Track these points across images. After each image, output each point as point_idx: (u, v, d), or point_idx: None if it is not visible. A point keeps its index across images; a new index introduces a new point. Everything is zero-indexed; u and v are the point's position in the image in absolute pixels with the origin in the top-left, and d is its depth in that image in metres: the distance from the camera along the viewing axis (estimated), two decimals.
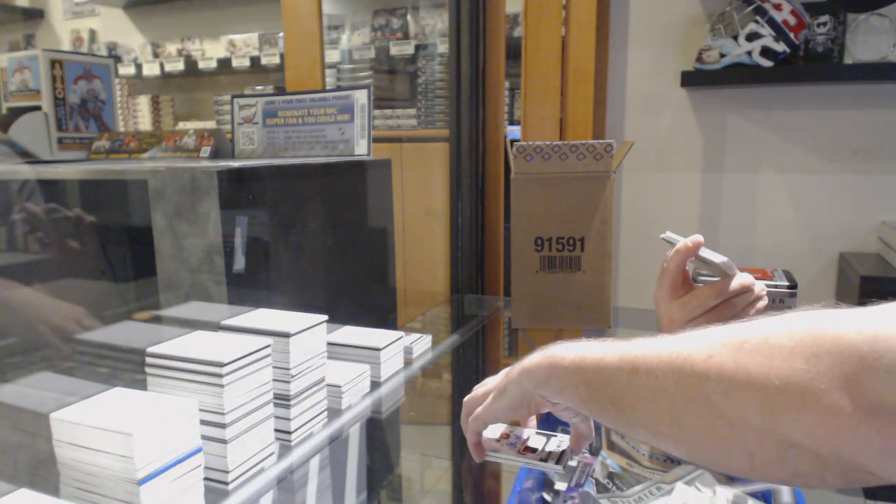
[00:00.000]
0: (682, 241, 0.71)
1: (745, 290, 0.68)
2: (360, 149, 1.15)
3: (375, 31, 2.50)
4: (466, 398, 0.64)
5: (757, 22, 1.62)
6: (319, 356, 0.74)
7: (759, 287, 0.70)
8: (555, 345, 0.52)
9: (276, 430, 0.68)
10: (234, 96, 1.24)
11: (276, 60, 2.78)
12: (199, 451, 0.57)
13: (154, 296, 0.85)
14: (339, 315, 1.00)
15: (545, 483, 0.72)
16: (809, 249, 1.80)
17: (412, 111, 2.28)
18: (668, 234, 0.73)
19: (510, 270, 1.11)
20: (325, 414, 0.76)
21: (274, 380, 0.66)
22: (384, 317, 1.24)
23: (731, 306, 0.68)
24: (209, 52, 3.05)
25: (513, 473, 0.73)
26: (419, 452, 0.92)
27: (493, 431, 0.81)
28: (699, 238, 0.70)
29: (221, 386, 0.58)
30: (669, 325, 0.68)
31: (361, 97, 1.14)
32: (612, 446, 0.78)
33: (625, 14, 1.90)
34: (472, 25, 1.53)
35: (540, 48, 1.69)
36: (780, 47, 1.62)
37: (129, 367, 0.68)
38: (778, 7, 1.61)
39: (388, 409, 0.86)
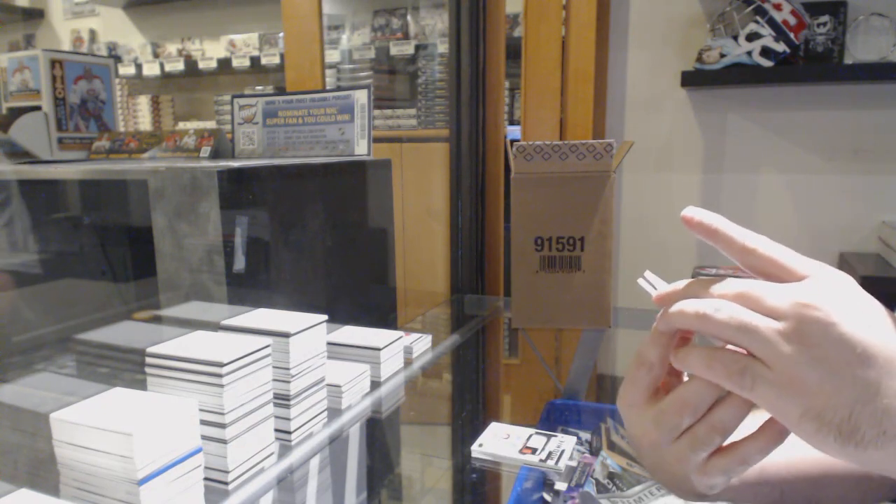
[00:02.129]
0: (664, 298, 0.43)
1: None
2: (360, 149, 1.15)
3: (375, 31, 2.50)
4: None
5: (757, 22, 1.62)
6: (319, 356, 0.74)
7: None
8: None
9: (276, 430, 0.68)
10: (234, 96, 1.24)
11: (276, 60, 2.78)
12: (199, 451, 0.57)
13: (154, 296, 0.85)
14: (339, 315, 1.00)
15: (545, 483, 0.72)
16: (809, 249, 1.79)
17: (412, 111, 2.28)
18: (648, 276, 0.45)
19: (510, 270, 1.11)
20: (325, 414, 0.76)
21: (274, 380, 0.66)
22: (384, 317, 1.24)
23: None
24: (209, 52, 3.05)
25: (513, 473, 0.73)
26: (419, 452, 0.92)
27: (506, 443, 0.82)
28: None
29: (221, 386, 0.58)
30: (652, 450, 0.43)
31: (361, 97, 1.14)
32: (612, 446, 0.78)
33: (625, 14, 1.90)
34: (472, 25, 1.53)
35: (540, 48, 1.69)
36: (780, 47, 1.62)
37: (129, 367, 0.68)
38: (778, 7, 1.61)
39: (388, 409, 0.86)
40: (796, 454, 0.49)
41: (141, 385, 0.62)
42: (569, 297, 1.08)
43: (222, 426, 0.59)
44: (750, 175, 1.83)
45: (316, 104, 1.17)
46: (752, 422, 0.40)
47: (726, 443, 0.41)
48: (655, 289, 0.44)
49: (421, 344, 1.05)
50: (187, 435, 0.56)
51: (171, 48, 3.13)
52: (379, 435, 0.84)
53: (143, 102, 3.09)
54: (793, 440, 0.49)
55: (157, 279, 0.84)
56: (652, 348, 0.43)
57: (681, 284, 0.43)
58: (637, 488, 0.69)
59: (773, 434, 0.39)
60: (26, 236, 1.08)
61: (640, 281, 0.45)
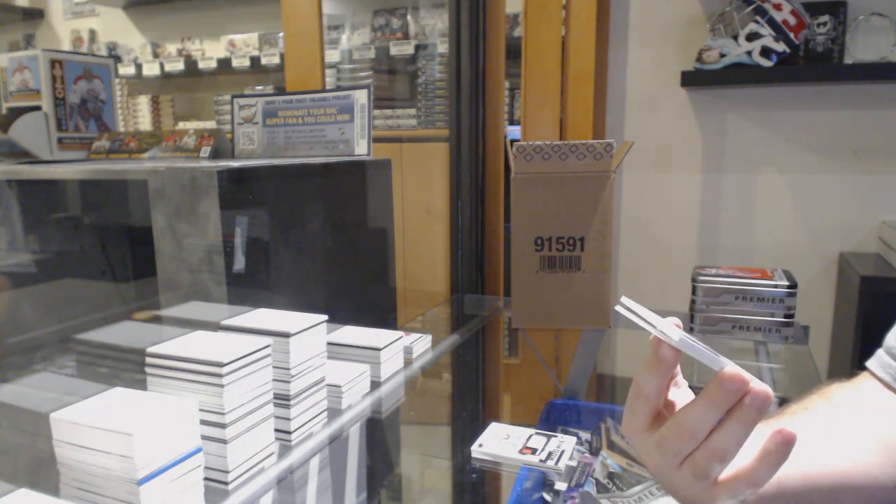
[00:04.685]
0: (666, 339, 0.41)
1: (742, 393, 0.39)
2: (360, 149, 1.15)
3: (375, 31, 2.50)
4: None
5: (757, 22, 1.62)
6: (319, 356, 0.74)
7: (759, 387, 0.39)
8: None
9: (276, 430, 0.68)
10: (234, 96, 1.24)
11: (276, 60, 2.78)
12: (198, 451, 0.57)
13: (154, 296, 0.85)
14: (339, 315, 1.00)
15: (545, 483, 0.72)
16: (809, 249, 1.80)
17: (412, 111, 2.28)
18: (626, 302, 0.44)
19: (510, 270, 1.11)
20: (325, 414, 0.76)
21: (274, 380, 0.66)
22: (384, 317, 1.24)
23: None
24: (209, 52, 3.05)
25: (513, 473, 0.73)
26: (419, 452, 0.92)
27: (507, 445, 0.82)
28: (676, 326, 0.42)
29: (221, 386, 0.58)
30: (659, 474, 0.44)
31: (361, 97, 1.14)
32: (612, 446, 0.78)
33: (625, 14, 1.90)
34: (472, 25, 1.52)
35: (540, 48, 1.69)
36: (780, 47, 1.62)
37: (129, 367, 0.68)
38: (778, 7, 1.61)
39: (388, 409, 0.86)
40: (812, 467, 0.49)
41: (141, 385, 0.62)
42: (569, 297, 1.08)
43: (222, 426, 0.59)
44: (750, 175, 1.83)
45: (316, 104, 1.17)
46: (757, 442, 0.40)
47: (735, 467, 0.41)
48: (636, 314, 0.43)
49: (421, 344, 1.05)
50: (187, 435, 0.56)
51: (171, 48, 3.13)
52: (379, 435, 0.84)
53: (143, 102, 3.09)
54: (808, 453, 0.48)
55: (157, 279, 0.84)
56: (648, 379, 0.43)
57: (656, 317, 0.42)
58: (637, 488, 0.69)
59: (777, 454, 0.39)
60: (26, 236, 1.08)
61: (618, 308, 0.44)
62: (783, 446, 0.39)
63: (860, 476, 0.50)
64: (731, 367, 0.39)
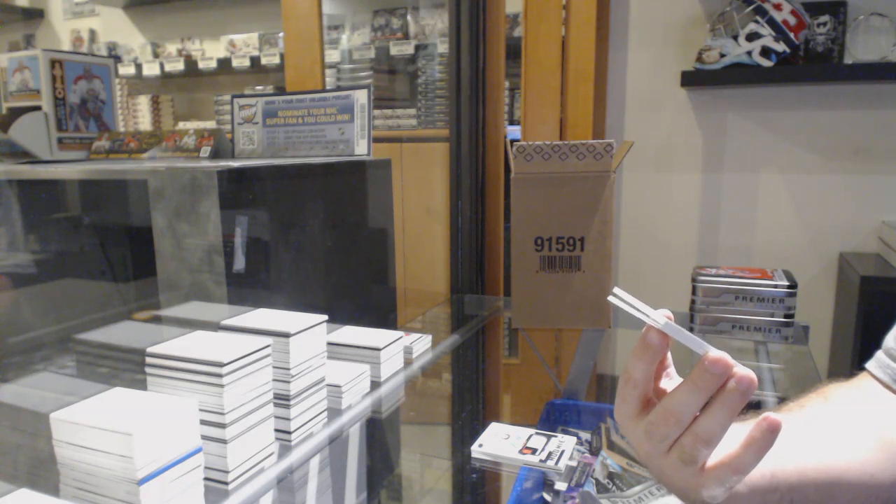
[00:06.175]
0: (653, 324, 0.42)
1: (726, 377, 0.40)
2: (360, 149, 1.15)
3: (375, 31, 2.50)
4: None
5: (757, 22, 1.62)
6: (319, 356, 0.74)
7: (743, 371, 0.40)
8: None
9: (276, 430, 0.68)
10: (234, 96, 1.24)
11: (276, 60, 2.78)
12: (198, 451, 0.57)
13: (154, 296, 0.85)
14: (339, 315, 1.00)
15: (545, 483, 0.72)
16: (809, 249, 1.80)
17: (412, 111, 2.28)
18: (619, 292, 0.45)
19: (510, 270, 1.11)
20: (325, 414, 0.76)
21: (274, 380, 0.66)
22: (384, 317, 1.24)
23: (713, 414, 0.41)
24: (209, 52, 3.05)
25: (513, 473, 0.73)
26: (419, 452, 0.92)
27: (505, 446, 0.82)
28: (666, 317, 0.42)
29: (221, 386, 0.58)
30: (649, 461, 0.45)
31: (361, 97, 1.14)
32: (612, 446, 0.79)
33: (625, 14, 1.90)
34: (472, 25, 1.52)
35: (540, 48, 1.69)
36: (780, 47, 1.62)
37: (129, 367, 0.68)
38: (778, 7, 1.61)
39: (388, 409, 0.86)
40: (807, 461, 0.49)
41: (141, 385, 0.62)
42: (569, 297, 1.08)
43: (222, 426, 0.59)
44: (750, 175, 1.83)
45: (316, 104, 1.17)
46: (741, 431, 0.41)
47: (721, 454, 0.42)
48: (626, 303, 0.44)
49: (421, 344, 1.05)
50: (187, 435, 0.56)
51: (171, 48, 3.13)
52: (379, 435, 0.84)
53: (143, 102, 3.09)
54: (804, 448, 0.48)
55: (157, 279, 0.84)
56: (636, 365, 0.44)
57: (646, 306, 0.43)
58: (637, 488, 0.69)
59: (762, 441, 0.40)
60: (26, 236, 1.08)
61: (611, 298, 0.45)
62: (769, 433, 0.39)
63: (856, 473, 0.50)
64: (715, 352, 0.40)
